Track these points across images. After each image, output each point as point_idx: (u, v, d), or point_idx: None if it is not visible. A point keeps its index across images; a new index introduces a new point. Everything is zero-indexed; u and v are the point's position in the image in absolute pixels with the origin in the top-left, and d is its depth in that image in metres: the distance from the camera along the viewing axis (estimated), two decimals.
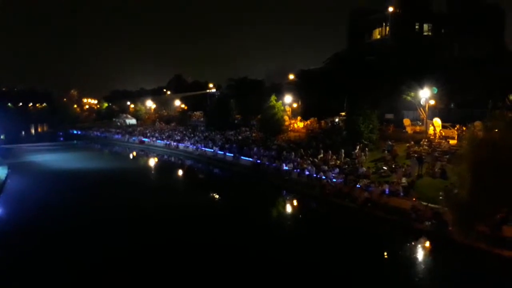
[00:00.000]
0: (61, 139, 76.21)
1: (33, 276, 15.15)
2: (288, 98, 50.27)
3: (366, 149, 32.80)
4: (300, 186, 28.66)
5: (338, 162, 30.79)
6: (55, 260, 16.57)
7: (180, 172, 42.29)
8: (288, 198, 28.86)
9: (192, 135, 55.33)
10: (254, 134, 49.35)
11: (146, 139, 59.87)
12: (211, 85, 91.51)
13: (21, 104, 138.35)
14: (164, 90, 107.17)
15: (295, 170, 30.65)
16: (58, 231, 20.28)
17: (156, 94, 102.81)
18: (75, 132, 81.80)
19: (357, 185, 24.95)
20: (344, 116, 42.64)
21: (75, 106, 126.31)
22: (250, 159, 36.90)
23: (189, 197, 29.38)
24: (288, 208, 27.30)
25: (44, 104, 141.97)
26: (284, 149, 36.89)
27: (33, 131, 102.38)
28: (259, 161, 35.33)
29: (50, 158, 48.02)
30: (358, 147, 32.70)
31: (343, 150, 32.07)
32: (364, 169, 27.96)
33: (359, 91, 34.20)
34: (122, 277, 15.04)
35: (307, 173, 29.26)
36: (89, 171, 40.35)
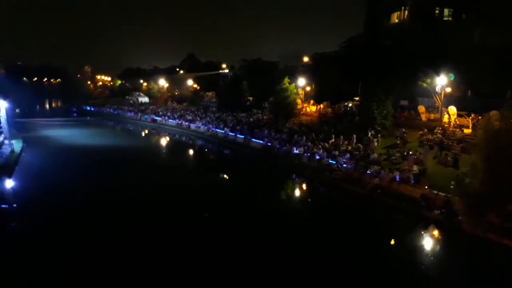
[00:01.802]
0: (75, 115, 77.10)
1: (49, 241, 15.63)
2: (301, 81, 49.77)
3: (379, 135, 32.46)
4: (310, 170, 28.61)
5: (350, 147, 30.58)
6: (69, 228, 17.13)
7: (191, 152, 42.55)
8: (297, 182, 28.87)
9: (203, 115, 55.41)
10: (265, 117, 49.15)
11: (158, 118, 60.18)
12: (224, 66, 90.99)
13: (36, 79, 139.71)
14: (177, 69, 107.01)
15: (305, 154, 30.57)
16: (70, 204, 20.81)
17: (169, 73, 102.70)
18: (88, 108, 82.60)
19: (368, 171, 24.83)
20: (357, 101, 42.14)
21: (89, 82, 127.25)
22: (261, 141, 36.88)
23: (198, 178, 29.55)
24: (297, 192, 27.34)
25: (59, 79, 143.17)
26: (295, 133, 36.73)
27: (47, 106, 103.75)
28: (269, 144, 35.30)
29: (63, 133, 48.74)
30: (370, 133, 32.39)
31: (355, 136, 31.79)
32: (376, 155, 27.75)
33: (374, 76, 33.65)
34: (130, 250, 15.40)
35: (317, 157, 29.16)
36: (101, 147, 40.93)
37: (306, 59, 56.65)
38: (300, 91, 51.69)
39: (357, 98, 42.17)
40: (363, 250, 16.23)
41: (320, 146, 31.10)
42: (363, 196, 23.03)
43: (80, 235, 16.75)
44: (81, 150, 38.31)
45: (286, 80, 45.65)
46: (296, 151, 31.64)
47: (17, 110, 65.73)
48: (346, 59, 38.15)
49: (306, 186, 27.62)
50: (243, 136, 40.15)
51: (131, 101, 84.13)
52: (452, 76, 32.00)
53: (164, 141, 50.29)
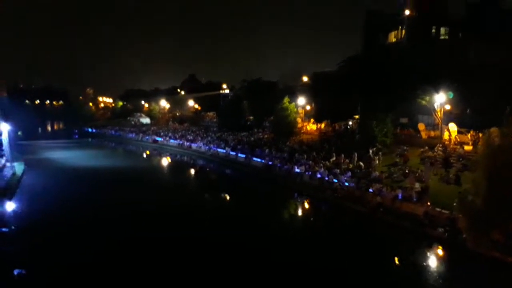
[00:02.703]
0: (76, 136, 77.35)
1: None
2: (301, 100, 50.15)
3: (380, 153, 32.50)
4: (311, 188, 28.56)
5: (351, 165, 30.59)
6: (65, 249, 17.07)
7: (192, 172, 42.53)
8: (299, 200, 28.76)
9: (204, 135, 55.63)
10: (266, 136, 49.36)
11: (159, 139, 60.39)
12: (224, 86, 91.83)
13: (38, 101, 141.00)
14: (178, 90, 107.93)
15: (306, 173, 30.57)
16: (71, 224, 20.76)
17: (170, 94, 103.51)
18: (90, 130, 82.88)
19: (370, 190, 24.75)
20: (357, 119, 42.35)
21: (91, 104, 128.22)
22: (262, 160, 36.93)
23: (200, 197, 29.57)
24: (299, 211, 27.23)
25: (61, 101, 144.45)
26: (296, 151, 36.81)
27: (49, 128, 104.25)
28: (270, 163, 35.33)
29: (64, 155, 48.83)
30: (371, 151, 32.43)
31: (356, 154, 31.84)
32: (377, 173, 27.71)
33: (374, 94, 33.94)
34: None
35: (319, 176, 29.14)
36: (102, 169, 40.94)
37: (305, 78, 57.18)
38: (300, 110, 52.05)
39: (357, 117, 42.40)
40: (367, 269, 16.08)
41: (321, 165, 31.11)
42: (365, 215, 22.91)
43: (76, 254, 16.73)
44: (82, 172, 38.32)
45: (286, 99, 46.05)
46: (297, 170, 31.63)
47: (19, 133, 65.99)
48: (345, 77, 38.57)
49: (308, 204, 27.50)
50: (244, 156, 40.23)
51: (133, 122, 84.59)
52: (451, 94, 32.27)
53: (165, 161, 50.33)
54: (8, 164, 32.83)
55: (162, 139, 59.76)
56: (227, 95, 78.19)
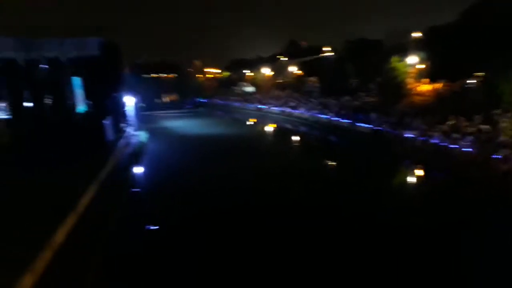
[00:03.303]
0: (188, 106, 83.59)
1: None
2: (412, 59, 45.83)
3: (509, 114, 28.22)
4: (425, 155, 26.38)
5: (472, 129, 27.28)
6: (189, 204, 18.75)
7: (295, 138, 42.78)
8: (411, 168, 26.84)
9: (306, 101, 55.09)
10: (372, 99, 46.72)
11: (262, 106, 61.81)
12: (327, 49, 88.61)
13: (154, 75, 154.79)
14: (280, 56, 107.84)
15: (419, 138, 28.27)
16: (190, 186, 22.75)
17: (272, 61, 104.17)
18: (200, 100, 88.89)
19: (495, 156, 21.83)
20: (481, 77, 37.19)
21: (200, 75, 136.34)
22: (368, 125, 35.23)
23: (306, 164, 29.63)
24: (412, 180, 25.42)
25: (173, 74, 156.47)
26: (406, 115, 34.15)
27: (165, 99, 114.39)
28: (378, 128, 33.51)
29: (179, 124, 53.41)
30: (497, 112, 28.35)
31: (478, 116, 28.20)
32: (504, 137, 24.23)
33: (503, 48, 29.21)
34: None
35: (434, 141, 26.70)
36: (212, 136, 43.72)
37: (416, 34, 51.82)
38: (411, 70, 47.70)
39: (479, 74, 37.22)
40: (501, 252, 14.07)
41: (437, 129, 28.39)
42: (490, 184, 20.32)
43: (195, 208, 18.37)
44: (195, 139, 41.49)
45: (395, 58, 42.56)
46: (408, 135, 29.44)
47: (141, 105, 73.84)
48: (467, 30, 33.84)
49: (423, 172, 25.50)
50: (348, 121, 38.85)
51: (237, 91, 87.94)
52: None
53: (268, 128, 51.51)
54: (135, 133, 37.08)
55: (265, 107, 61.05)
56: (330, 58, 75.46)
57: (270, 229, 16.28)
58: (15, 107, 33.33)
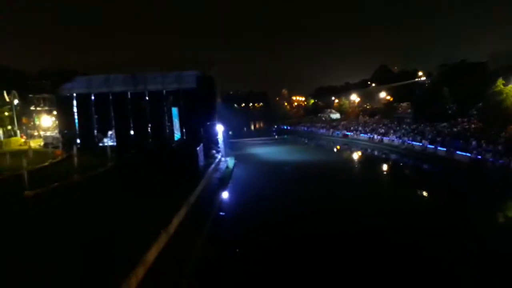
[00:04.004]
0: (274, 134, 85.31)
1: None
2: None
3: None
4: None
5: None
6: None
7: (384, 167, 40.68)
8: None
9: (397, 127, 52.40)
10: (473, 125, 42.67)
11: (349, 133, 60.34)
12: (420, 74, 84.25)
13: (243, 104, 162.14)
14: (369, 82, 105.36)
15: None
16: (273, 213, 22.81)
17: (360, 87, 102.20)
18: (285, 127, 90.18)
19: None
20: None
21: (286, 103, 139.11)
22: (468, 154, 32.09)
23: (396, 193, 27.87)
24: None
25: (261, 103, 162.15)
26: None
27: (252, 127, 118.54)
28: (479, 157, 30.32)
29: (264, 151, 54.49)
30: None
31: None
32: None
33: None
34: None
35: None
36: (297, 163, 43.65)
37: None
38: None
39: None
40: None
41: None
42: None
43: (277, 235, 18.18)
44: (280, 166, 41.84)
45: (500, 81, 38.65)
46: None
47: (230, 132, 77.46)
48: None
49: None
50: (445, 149, 35.87)
51: (323, 118, 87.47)
52: None
53: (356, 155, 49.85)
54: (223, 159, 38.82)
55: (352, 133, 59.49)
56: (424, 83, 71.41)
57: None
58: (120, 135, 37.47)
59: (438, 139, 39.08)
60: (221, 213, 23.28)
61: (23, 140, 46.75)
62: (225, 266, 15.42)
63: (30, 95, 56.96)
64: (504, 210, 23.29)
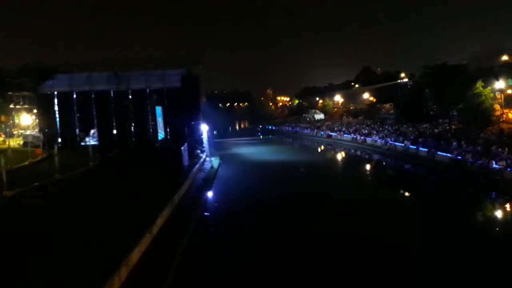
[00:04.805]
0: (259, 134, 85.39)
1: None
2: (500, 84, 42.28)
3: None
4: None
5: None
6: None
7: (367, 167, 41.22)
8: (499, 202, 24.25)
9: (380, 128, 53.14)
10: (454, 127, 43.66)
11: (333, 134, 60.87)
12: (402, 75, 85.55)
13: (228, 104, 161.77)
14: (352, 83, 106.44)
15: (508, 169, 25.56)
16: (256, 212, 22.81)
17: (344, 88, 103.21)
18: (270, 127, 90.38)
19: None
20: None
21: (271, 103, 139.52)
22: (449, 154, 32.78)
23: (378, 193, 28.20)
24: (499, 214, 22.85)
25: (246, 103, 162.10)
26: (493, 144, 31.20)
27: (237, 127, 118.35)
28: (459, 157, 31.01)
29: (249, 151, 54.53)
30: None
31: None
32: None
33: None
34: None
35: None
36: (281, 162, 43.84)
37: (505, 57, 47.92)
38: (498, 95, 43.94)
39: None
40: None
41: None
42: None
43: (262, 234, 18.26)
44: (265, 165, 41.92)
45: (479, 83, 39.60)
46: (496, 166, 26.78)
47: (214, 132, 77.17)
48: None
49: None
50: (426, 149, 36.56)
51: (308, 119, 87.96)
52: None
53: (339, 156, 50.36)
54: (207, 158, 38.63)
55: (336, 134, 60.04)
56: (406, 85, 72.62)
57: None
58: (103, 134, 36.87)
59: (420, 139, 39.78)
60: (205, 213, 23.21)
61: (1, 139, 45.53)
62: (209, 264, 15.39)
63: (10, 93, 55.46)
64: (478, 210, 23.78)
